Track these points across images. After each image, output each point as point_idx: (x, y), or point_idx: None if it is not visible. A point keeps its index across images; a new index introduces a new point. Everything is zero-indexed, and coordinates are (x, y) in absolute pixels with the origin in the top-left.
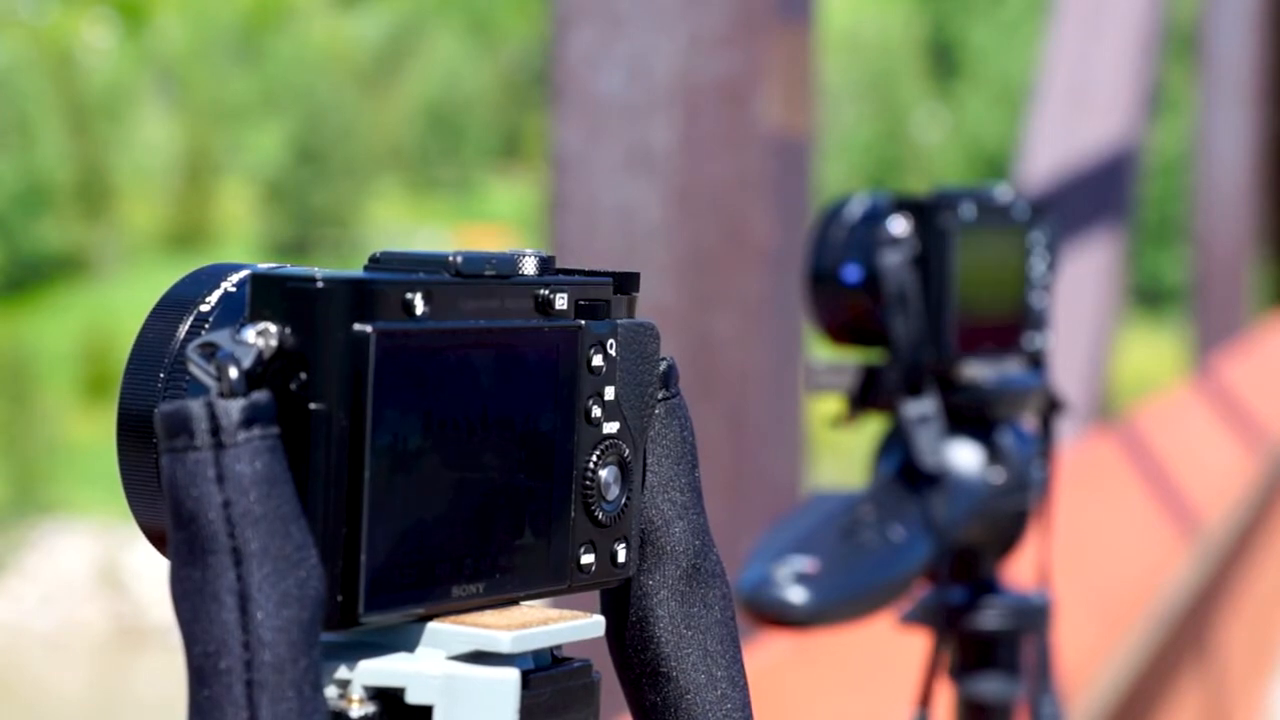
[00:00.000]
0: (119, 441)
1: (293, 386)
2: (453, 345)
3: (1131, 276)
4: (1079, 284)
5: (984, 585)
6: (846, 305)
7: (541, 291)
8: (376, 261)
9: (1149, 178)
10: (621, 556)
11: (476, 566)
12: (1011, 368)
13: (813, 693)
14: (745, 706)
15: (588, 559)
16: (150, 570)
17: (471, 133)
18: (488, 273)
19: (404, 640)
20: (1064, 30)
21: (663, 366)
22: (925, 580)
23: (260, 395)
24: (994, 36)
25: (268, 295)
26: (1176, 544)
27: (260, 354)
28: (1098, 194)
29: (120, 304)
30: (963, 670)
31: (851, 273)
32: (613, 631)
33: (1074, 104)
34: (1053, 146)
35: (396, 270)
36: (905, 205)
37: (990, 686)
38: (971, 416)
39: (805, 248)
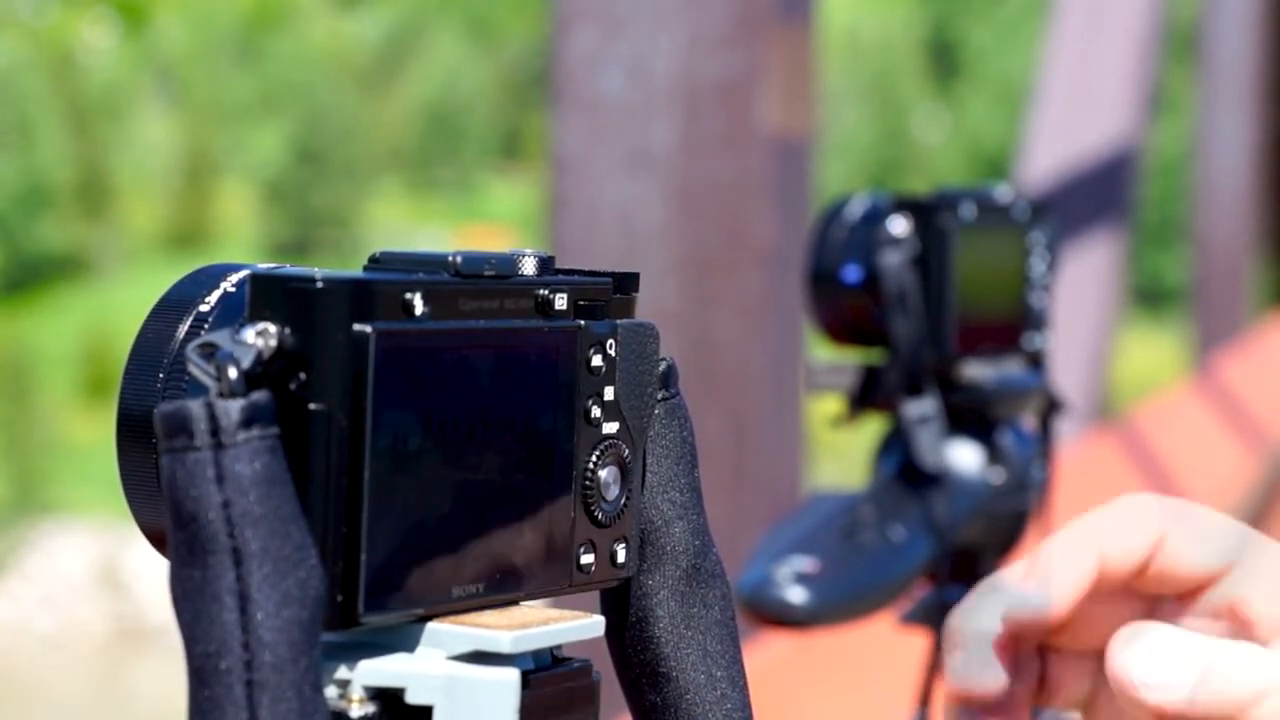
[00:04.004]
0: (118, 442)
1: (292, 387)
2: (452, 345)
3: (1131, 276)
4: (1079, 284)
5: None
6: (846, 305)
7: (541, 292)
8: (376, 261)
9: (1149, 178)
10: (621, 557)
11: (476, 566)
12: (1011, 368)
13: (813, 693)
14: (745, 707)
15: (587, 559)
16: (150, 570)
17: (471, 133)
18: (487, 273)
19: (404, 640)
20: (1064, 30)
21: (662, 367)
22: (925, 580)
23: (260, 395)
24: (994, 36)
25: (267, 295)
26: None
27: (260, 354)
28: (1098, 194)
29: (120, 304)
30: None
31: (851, 273)
32: (613, 631)
33: (1074, 104)
34: (1053, 146)
35: (396, 270)
36: (905, 205)
37: None
38: (971, 417)
39: (805, 248)
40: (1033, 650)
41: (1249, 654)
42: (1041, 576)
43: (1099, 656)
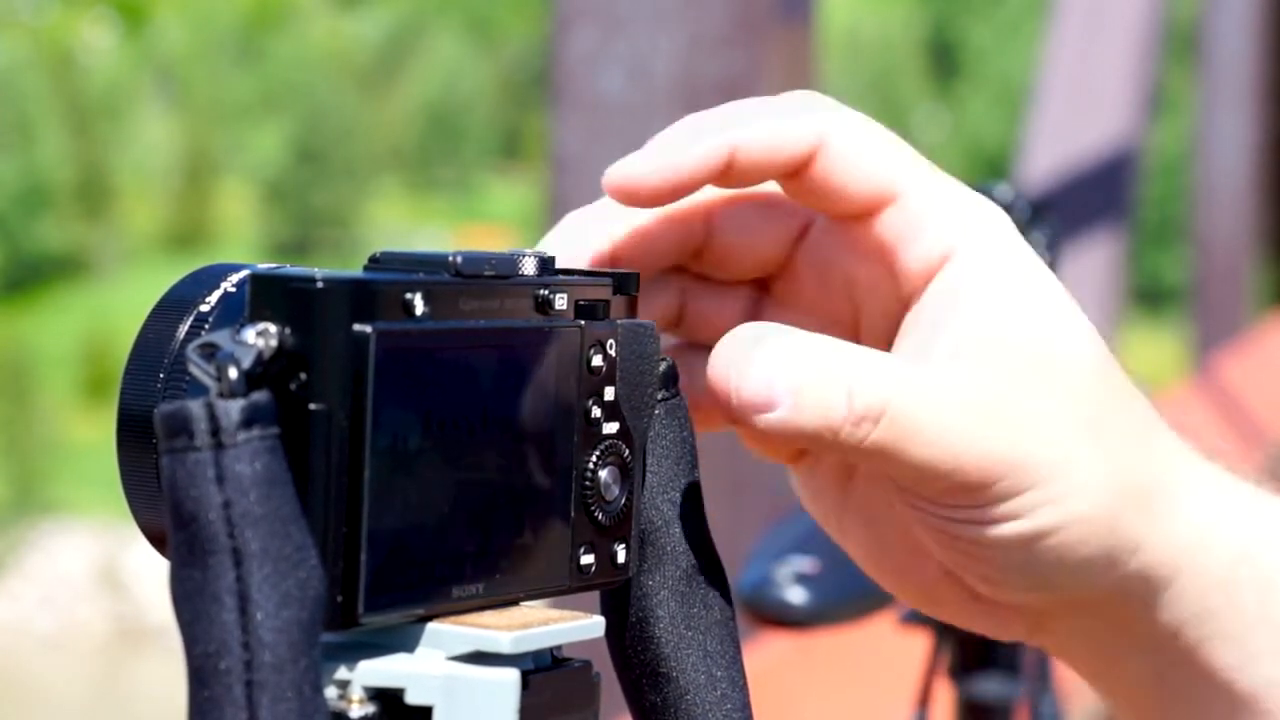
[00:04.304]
0: (119, 442)
1: (293, 387)
2: (452, 345)
3: (1131, 276)
4: (1079, 284)
5: None
6: None
7: (541, 291)
8: (376, 261)
9: (1149, 178)
10: (621, 557)
11: (476, 567)
12: None
13: (813, 693)
14: (745, 707)
15: (587, 559)
16: (150, 570)
17: (471, 133)
18: (487, 273)
19: (404, 641)
20: (1064, 30)
21: (663, 367)
22: None
23: (260, 395)
24: (994, 36)
25: (268, 295)
26: None
27: (260, 354)
28: (1098, 194)
29: (120, 304)
30: (963, 670)
31: None
32: (613, 631)
33: (1074, 104)
34: (1053, 146)
35: (396, 270)
36: None
37: (990, 686)
38: None
39: None
40: (674, 277)
41: (869, 360)
42: (654, 144)
43: (749, 292)
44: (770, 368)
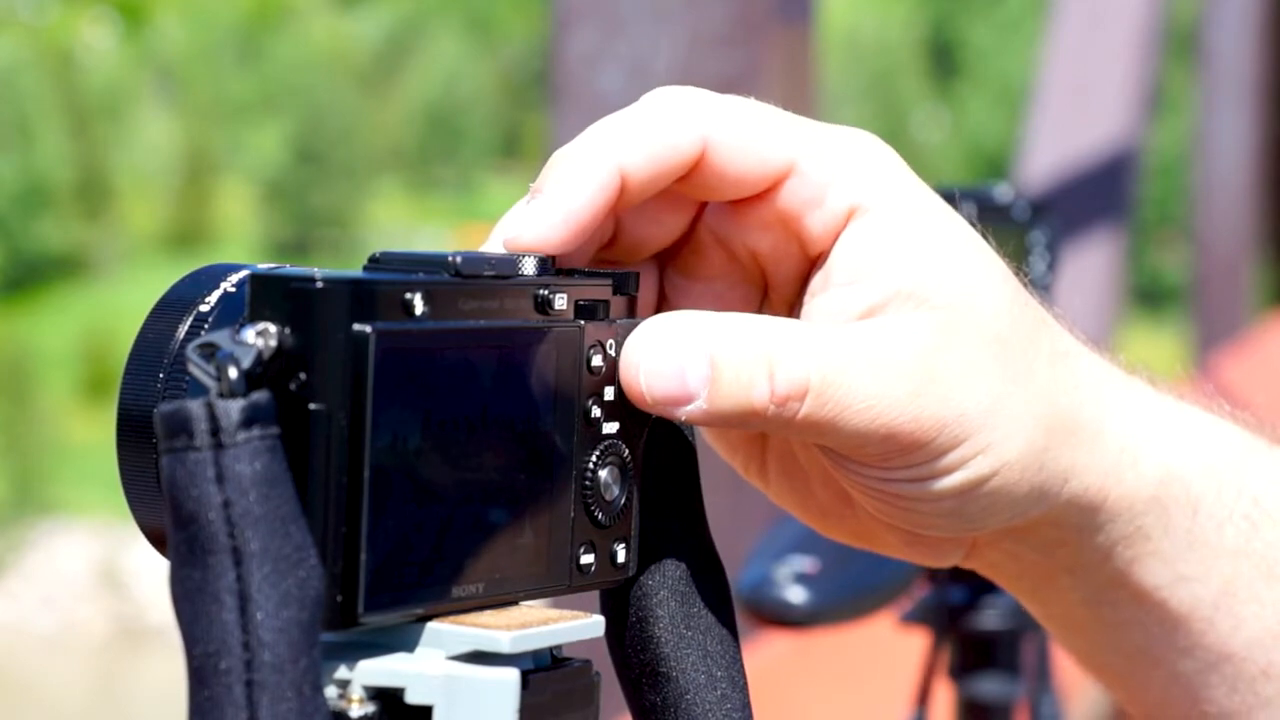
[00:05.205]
0: (119, 442)
1: (292, 387)
2: (452, 345)
3: (1131, 276)
4: (1079, 283)
5: (984, 585)
6: None
7: (541, 292)
8: (376, 261)
9: (1149, 177)
10: (621, 557)
11: (476, 566)
12: None
13: (813, 693)
14: (745, 707)
15: (587, 559)
16: (150, 570)
17: (471, 133)
18: (487, 273)
19: (404, 640)
20: (1064, 30)
21: None
22: (925, 580)
23: (260, 395)
24: (994, 36)
25: (267, 295)
26: None
27: (260, 354)
28: (1098, 194)
29: (120, 304)
30: (963, 670)
31: None
32: (613, 631)
33: (1074, 104)
34: (1053, 146)
35: (396, 270)
36: None
37: (990, 686)
38: None
39: None
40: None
41: (787, 334)
42: (547, 197)
43: (656, 267)
44: (680, 359)
